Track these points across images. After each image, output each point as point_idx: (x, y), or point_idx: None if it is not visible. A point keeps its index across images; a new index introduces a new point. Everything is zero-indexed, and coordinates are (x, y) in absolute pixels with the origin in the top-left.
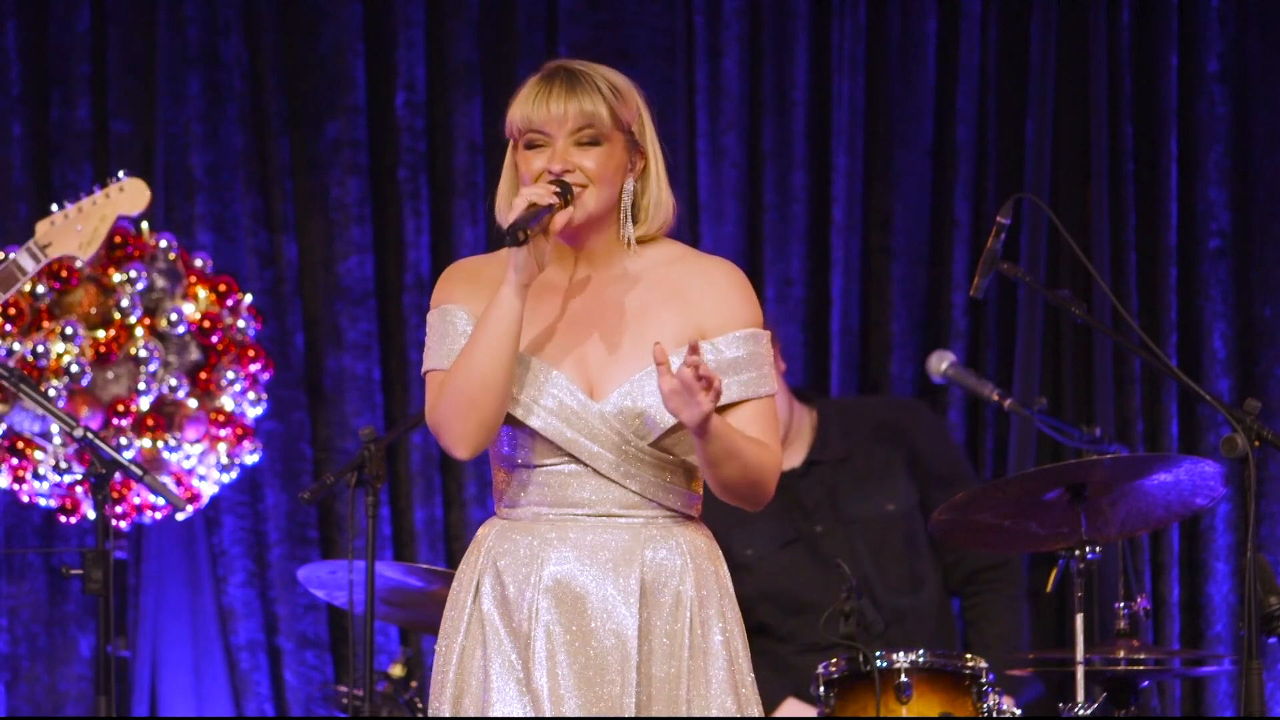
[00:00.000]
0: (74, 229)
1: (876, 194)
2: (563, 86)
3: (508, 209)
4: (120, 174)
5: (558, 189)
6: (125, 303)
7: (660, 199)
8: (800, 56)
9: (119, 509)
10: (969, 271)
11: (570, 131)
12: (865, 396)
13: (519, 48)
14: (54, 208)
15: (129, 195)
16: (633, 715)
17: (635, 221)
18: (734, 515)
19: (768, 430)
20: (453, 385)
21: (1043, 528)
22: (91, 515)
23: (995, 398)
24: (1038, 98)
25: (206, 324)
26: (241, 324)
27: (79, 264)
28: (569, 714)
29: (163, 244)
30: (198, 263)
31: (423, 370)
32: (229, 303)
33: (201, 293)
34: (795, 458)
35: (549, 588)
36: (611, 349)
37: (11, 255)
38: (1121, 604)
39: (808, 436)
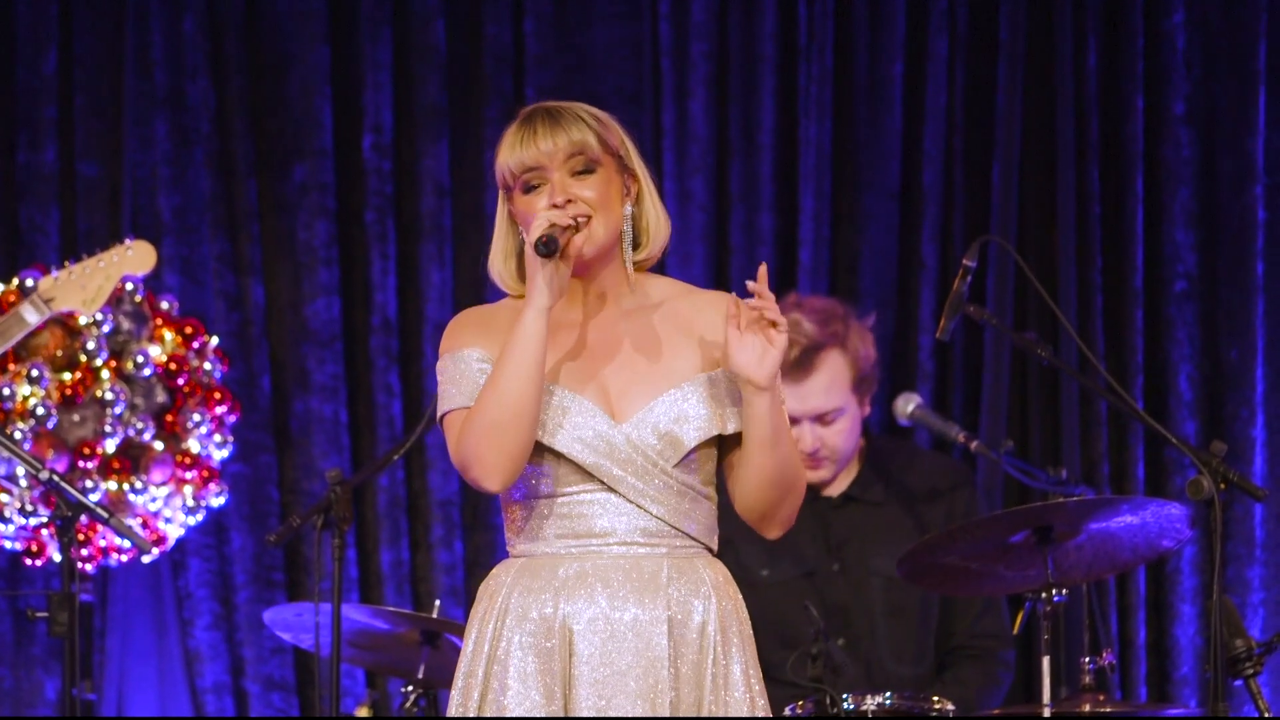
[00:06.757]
0: (79, 285)
1: (843, 237)
2: (546, 123)
3: (502, 260)
4: (128, 238)
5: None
6: (91, 345)
7: (658, 217)
8: (767, 100)
9: (85, 552)
10: (935, 314)
11: (563, 163)
12: (912, 444)
13: (486, 91)
14: (53, 270)
15: (137, 256)
16: None
17: (637, 245)
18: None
19: None
20: (481, 415)
21: (1010, 570)
22: (57, 558)
23: (961, 440)
24: (1004, 140)
25: (173, 366)
26: (208, 366)
27: (82, 319)
28: None
29: (129, 287)
30: (164, 305)
31: (439, 415)
32: (195, 345)
33: (168, 335)
34: (836, 488)
35: (576, 624)
36: (632, 375)
37: (15, 307)
38: (1087, 658)
39: (853, 471)
